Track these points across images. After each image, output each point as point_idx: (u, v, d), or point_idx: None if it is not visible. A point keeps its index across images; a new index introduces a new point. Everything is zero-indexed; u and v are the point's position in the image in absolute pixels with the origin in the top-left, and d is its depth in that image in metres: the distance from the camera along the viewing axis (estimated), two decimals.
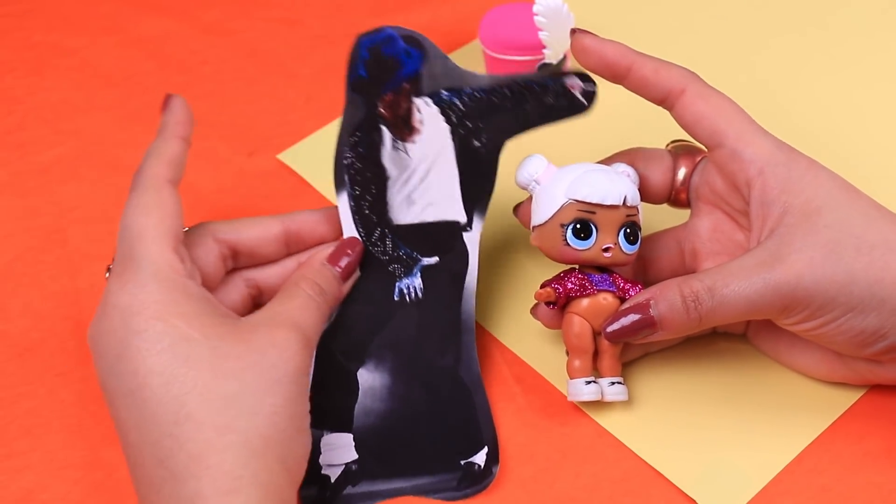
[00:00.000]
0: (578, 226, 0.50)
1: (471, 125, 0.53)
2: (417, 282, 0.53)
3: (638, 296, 0.50)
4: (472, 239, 0.54)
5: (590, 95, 0.54)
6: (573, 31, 0.52)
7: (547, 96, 0.54)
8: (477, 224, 0.54)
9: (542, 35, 0.66)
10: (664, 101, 0.52)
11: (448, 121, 0.53)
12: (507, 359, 0.55)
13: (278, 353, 0.45)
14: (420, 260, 0.54)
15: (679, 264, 0.55)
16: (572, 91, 0.54)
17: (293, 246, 0.54)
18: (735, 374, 0.54)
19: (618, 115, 0.65)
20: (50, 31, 0.77)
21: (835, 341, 0.49)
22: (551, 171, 0.52)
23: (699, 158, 0.54)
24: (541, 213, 0.52)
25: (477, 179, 0.54)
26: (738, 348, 0.54)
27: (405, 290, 0.53)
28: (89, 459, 0.52)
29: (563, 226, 0.51)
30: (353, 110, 0.53)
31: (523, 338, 0.56)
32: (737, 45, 0.73)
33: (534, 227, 0.52)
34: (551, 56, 0.67)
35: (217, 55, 0.75)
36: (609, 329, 0.50)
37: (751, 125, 0.50)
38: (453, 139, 0.53)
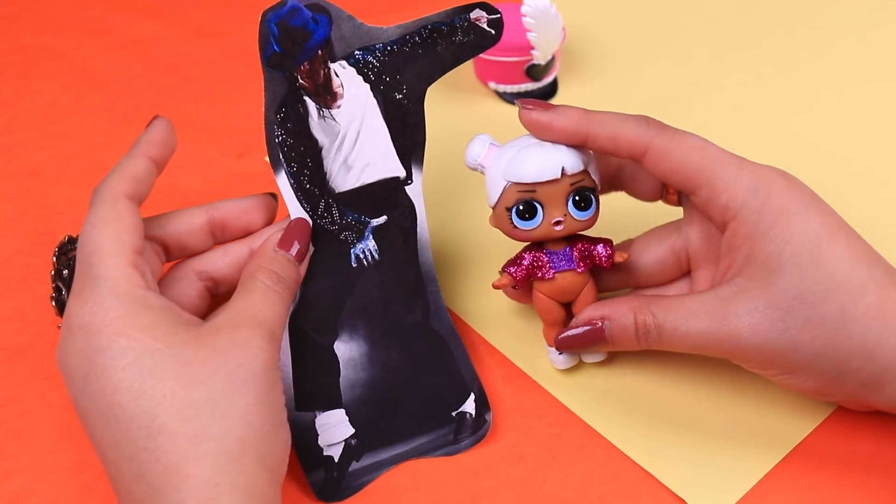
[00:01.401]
0: (521, 207, 0.50)
1: (389, 79, 0.54)
2: (371, 244, 0.54)
3: (594, 310, 0.51)
4: (415, 191, 0.54)
5: (496, 23, 0.54)
6: (521, 104, 0.51)
7: (456, 35, 0.54)
8: (417, 176, 0.55)
9: (531, 36, 0.66)
10: (631, 159, 0.50)
11: (366, 79, 0.54)
12: (496, 360, 0.55)
13: (242, 352, 0.45)
14: (369, 222, 0.54)
15: (675, 271, 0.54)
16: (479, 23, 0.54)
17: (219, 235, 0.54)
18: (724, 374, 0.54)
19: None
20: (38, 33, 0.77)
21: (781, 387, 0.50)
22: (493, 151, 0.52)
23: None
24: (490, 196, 0.52)
25: (407, 131, 0.54)
26: None
27: (361, 255, 0.54)
28: (78, 463, 0.52)
29: (507, 209, 0.51)
30: (274, 87, 0.53)
31: (512, 339, 0.56)
32: (726, 45, 0.73)
33: (491, 209, 0.52)
34: (540, 57, 0.67)
35: (206, 57, 0.75)
36: (560, 336, 0.51)
37: (723, 168, 0.48)
38: (375, 96, 0.54)
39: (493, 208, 0.52)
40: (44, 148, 0.68)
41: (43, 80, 0.73)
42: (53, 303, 0.54)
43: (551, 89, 0.70)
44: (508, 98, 0.69)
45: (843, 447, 0.51)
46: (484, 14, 0.54)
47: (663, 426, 0.52)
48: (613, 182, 0.54)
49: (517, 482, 0.50)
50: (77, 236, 0.53)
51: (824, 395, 0.49)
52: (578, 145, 0.50)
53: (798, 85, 0.70)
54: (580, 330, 0.51)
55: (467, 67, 0.70)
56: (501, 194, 0.51)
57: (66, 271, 0.54)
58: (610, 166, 0.54)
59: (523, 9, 0.65)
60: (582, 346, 0.51)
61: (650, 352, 0.54)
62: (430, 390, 0.53)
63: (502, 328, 0.56)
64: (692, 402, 0.53)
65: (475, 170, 0.52)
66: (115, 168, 0.50)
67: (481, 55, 0.67)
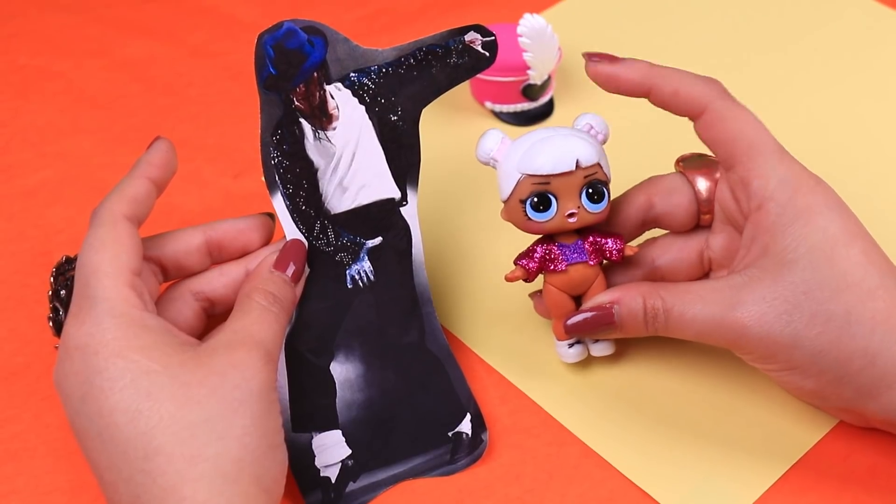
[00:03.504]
0: (536, 199, 0.51)
1: (384, 101, 0.54)
2: (367, 265, 0.54)
3: (604, 295, 0.51)
4: (410, 212, 0.55)
5: (491, 45, 0.54)
6: (588, 57, 0.51)
7: (451, 57, 0.54)
8: (412, 197, 0.55)
9: (527, 56, 0.66)
10: (688, 117, 0.51)
11: (362, 101, 0.54)
12: (493, 379, 0.55)
13: (239, 373, 0.45)
14: (364, 243, 0.54)
15: (697, 272, 0.54)
16: (473, 46, 0.54)
17: (216, 255, 0.54)
18: (720, 392, 0.54)
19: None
20: (35, 54, 0.77)
21: (780, 385, 0.50)
22: (506, 144, 0.52)
23: (717, 174, 0.53)
24: (503, 190, 0.52)
25: (402, 153, 0.54)
26: (724, 366, 0.55)
27: (357, 277, 0.54)
28: (75, 484, 0.52)
29: (522, 201, 0.51)
30: (270, 109, 0.53)
31: (508, 358, 0.56)
32: (720, 64, 0.73)
33: (503, 202, 0.53)
34: (536, 77, 0.67)
35: (203, 77, 0.75)
36: (570, 322, 0.51)
37: (763, 152, 0.49)
38: (371, 118, 0.54)
39: (506, 202, 0.52)
40: (41, 168, 0.68)
41: (40, 100, 0.74)
42: (51, 323, 0.54)
43: (547, 109, 0.70)
44: (505, 118, 0.70)
45: (841, 466, 0.51)
46: (478, 36, 0.54)
47: (660, 445, 0.52)
48: (646, 221, 0.54)
49: (514, 502, 0.50)
50: (74, 256, 0.53)
51: (821, 398, 0.49)
52: (640, 96, 0.51)
53: (791, 104, 0.70)
54: (589, 314, 0.51)
55: (463, 87, 0.70)
56: (515, 187, 0.51)
57: (63, 291, 0.54)
58: (639, 207, 0.54)
59: (519, 29, 0.65)
60: (591, 330, 0.51)
61: (649, 370, 0.55)
62: (426, 411, 0.53)
63: (499, 347, 0.56)
64: (689, 422, 0.53)
65: (487, 164, 0.53)
66: (114, 189, 0.50)
67: (478, 75, 0.68)
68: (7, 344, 0.58)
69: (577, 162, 0.50)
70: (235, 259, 0.54)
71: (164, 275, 0.53)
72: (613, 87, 0.51)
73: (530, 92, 0.68)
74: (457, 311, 0.58)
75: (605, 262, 0.53)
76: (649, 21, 0.77)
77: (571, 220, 0.51)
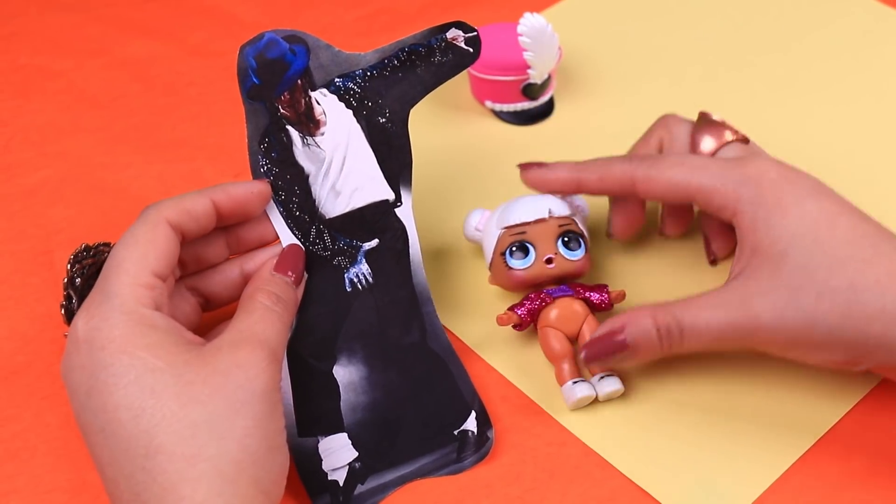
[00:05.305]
0: (514, 248, 0.53)
1: (371, 104, 0.54)
2: (364, 268, 0.54)
3: (613, 321, 0.51)
4: (405, 213, 0.55)
5: (473, 41, 0.55)
6: (521, 167, 0.55)
7: (434, 55, 0.54)
8: (406, 198, 0.55)
9: (527, 55, 0.66)
10: (623, 196, 0.54)
11: (349, 105, 0.54)
12: (493, 379, 0.55)
13: (243, 373, 0.45)
14: (361, 246, 0.54)
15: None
16: (456, 43, 0.54)
17: (224, 219, 0.52)
18: (720, 392, 0.54)
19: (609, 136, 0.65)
20: (36, 53, 0.77)
21: (810, 364, 0.50)
22: (486, 215, 0.56)
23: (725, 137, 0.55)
24: (487, 254, 0.55)
25: (393, 154, 0.55)
26: (723, 367, 0.55)
27: (355, 279, 0.54)
28: (75, 483, 0.52)
29: (502, 254, 0.53)
30: (256, 118, 0.54)
31: (508, 358, 0.56)
32: (721, 64, 0.73)
33: (489, 269, 0.55)
34: (536, 76, 0.67)
35: (203, 77, 0.75)
36: (585, 353, 0.51)
37: (706, 174, 0.51)
38: (359, 121, 0.54)
39: (491, 264, 0.55)
40: (41, 167, 0.68)
41: (40, 99, 0.74)
42: (62, 310, 0.54)
43: (547, 108, 0.70)
44: (505, 117, 0.70)
45: (841, 465, 0.51)
46: (460, 33, 0.54)
47: (660, 444, 0.52)
48: None
49: (514, 501, 0.50)
50: (94, 244, 0.54)
51: (857, 364, 0.49)
52: (574, 192, 0.55)
53: (792, 103, 0.70)
54: (602, 340, 0.51)
55: (463, 86, 0.70)
56: (497, 243, 0.54)
57: (78, 279, 0.54)
58: (654, 146, 0.56)
59: (519, 28, 0.65)
60: (606, 355, 0.51)
61: (648, 369, 0.55)
62: (431, 410, 0.53)
63: (499, 346, 0.56)
64: (688, 420, 0.53)
65: (474, 239, 0.56)
66: (176, 196, 0.50)
67: (478, 74, 0.68)
68: (7, 343, 0.58)
69: (550, 210, 0.53)
70: (239, 224, 0.54)
71: (181, 268, 0.52)
72: (546, 188, 0.55)
73: (530, 91, 0.68)
74: (456, 310, 0.58)
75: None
76: (649, 20, 0.77)
77: (550, 265, 0.53)
